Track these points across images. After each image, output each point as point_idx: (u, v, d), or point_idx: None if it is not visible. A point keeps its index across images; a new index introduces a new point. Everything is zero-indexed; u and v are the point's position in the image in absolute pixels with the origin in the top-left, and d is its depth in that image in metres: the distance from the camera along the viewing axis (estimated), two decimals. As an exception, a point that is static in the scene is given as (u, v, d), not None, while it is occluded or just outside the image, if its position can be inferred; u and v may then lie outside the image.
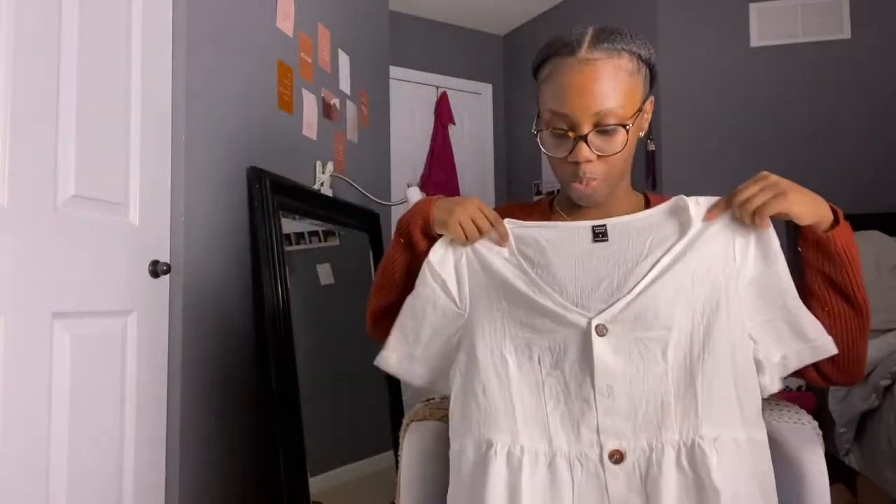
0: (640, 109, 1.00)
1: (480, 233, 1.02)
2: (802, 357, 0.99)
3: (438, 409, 1.19)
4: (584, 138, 0.96)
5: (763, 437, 0.95)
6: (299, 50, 2.29)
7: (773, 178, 0.94)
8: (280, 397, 1.85)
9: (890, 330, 2.45)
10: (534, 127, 1.03)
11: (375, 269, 1.19)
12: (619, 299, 0.94)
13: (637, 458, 0.92)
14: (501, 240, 1.02)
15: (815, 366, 1.01)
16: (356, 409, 2.38)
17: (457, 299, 1.03)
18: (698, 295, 0.93)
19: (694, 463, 0.90)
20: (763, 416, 0.98)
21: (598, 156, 0.98)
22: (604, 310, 0.94)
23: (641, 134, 1.04)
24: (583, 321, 0.94)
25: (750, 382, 0.95)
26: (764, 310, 0.96)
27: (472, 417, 0.99)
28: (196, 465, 1.72)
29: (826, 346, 0.97)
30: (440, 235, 1.05)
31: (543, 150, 1.01)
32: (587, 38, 0.97)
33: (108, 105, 1.52)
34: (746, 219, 0.94)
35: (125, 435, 1.55)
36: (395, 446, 1.34)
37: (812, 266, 0.99)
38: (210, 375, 1.78)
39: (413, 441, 1.17)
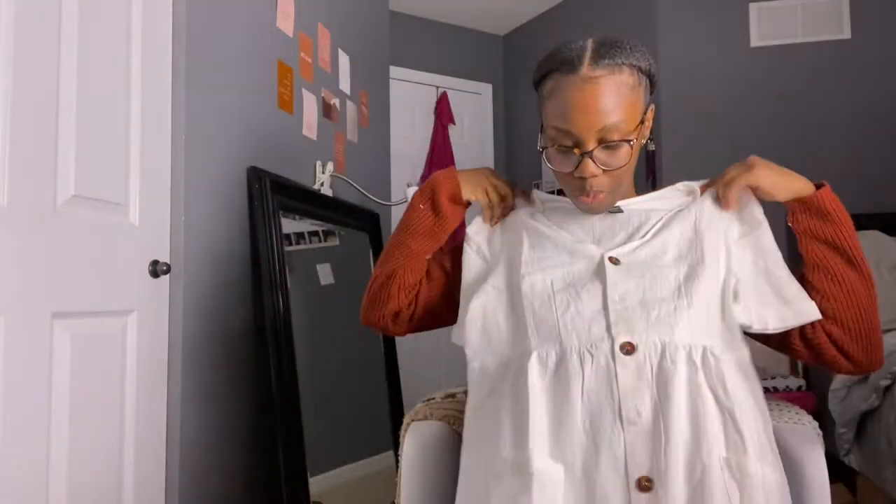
0: (641, 121, 1.02)
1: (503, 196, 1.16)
2: (784, 318, 1.01)
3: (439, 409, 1.19)
4: (590, 154, 0.98)
5: (749, 358, 1.01)
6: (299, 50, 2.29)
7: (753, 158, 1.06)
8: (280, 397, 1.85)
9: (890, 330, 2.45)
10: (538, 144, 1.06)
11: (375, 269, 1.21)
12: (630, 242, 1.04)
13: (648, 351, 0.95)
14: (524, 197, 1.17)
15: (836, 344, 1.02)
16: (356, 409, 2.38)
17: (487, 255, 1.13)
18: (707, 229, 1.03)
19: (706, 364, 0.94)
20: None
21: (604, 170, 0.99)
22: (616, 248, 1.04)
23: (643, 142, 1.06)
24: (597, 253, 1.04)
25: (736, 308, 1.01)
26: (747, 266, 1.01)
27: (492, 339, 1.06)
28: (196, 465, 1.73)
29: (810, 310, 1.01)
30: (467, 203, 1.17)
31: (549, 166, 1.03)
32: (588, 55, 0.98)
33: (108, 105, 1.52)
34: (720, 190, 1.05)
35: (125, 435, 1.55)
36: (395, 446, 1.34)
37: (806, 235, 1.04)
38: (210, 375, 1.78)
39: (413, 441, 1.17)
